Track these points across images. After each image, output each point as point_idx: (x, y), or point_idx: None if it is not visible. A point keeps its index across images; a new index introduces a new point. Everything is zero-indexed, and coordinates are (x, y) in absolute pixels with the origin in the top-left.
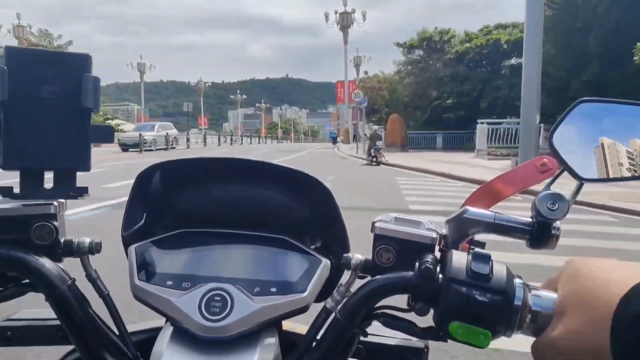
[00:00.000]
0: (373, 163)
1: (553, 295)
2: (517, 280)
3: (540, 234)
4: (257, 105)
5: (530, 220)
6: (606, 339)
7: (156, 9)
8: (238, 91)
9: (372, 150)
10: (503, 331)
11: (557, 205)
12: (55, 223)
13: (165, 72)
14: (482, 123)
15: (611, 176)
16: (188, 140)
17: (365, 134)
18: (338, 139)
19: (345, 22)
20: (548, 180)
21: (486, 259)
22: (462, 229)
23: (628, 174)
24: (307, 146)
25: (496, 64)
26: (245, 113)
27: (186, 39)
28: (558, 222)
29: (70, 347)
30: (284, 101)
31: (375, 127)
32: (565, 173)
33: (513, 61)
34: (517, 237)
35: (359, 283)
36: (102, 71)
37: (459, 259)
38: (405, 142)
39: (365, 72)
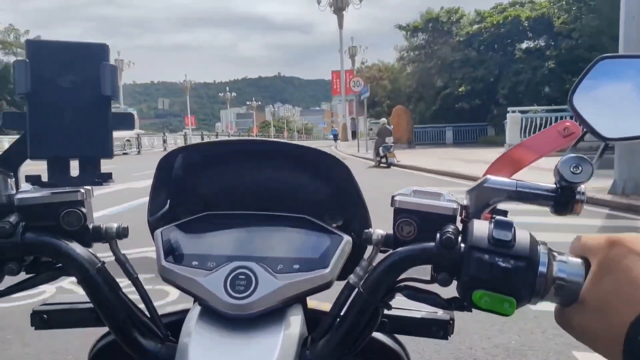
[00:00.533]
0: (382, 164)
1: (579, 261)
2: (541, 246)
3: (564, 199)
4: (247, 103)
5: (553, 186)
6: (619, 347)
7: (147, 10)
8: (227, 88)
9: (381, 149)
10: (528, 298)
11: (580, 168)
12: (83, 209)
13: (156, 73)
14: (514, 112)
15: (635, 134)
16: (164, 142)
17: (371, 130)
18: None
19: (339, 3)
20: (571, 144)
21: (508, 225)
22: (483, 199)
23: None
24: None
25: (514, 45)
26: (237, 112)
27: (177, 39)
28: (583, 186)
29: (103, 330)
30: (276, 99)
31: (384, 120)
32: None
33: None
34: (540, 204)
35: (381, 258)
36: None
37: (481, 227)
38: (412, 137)
39: (362, 63)
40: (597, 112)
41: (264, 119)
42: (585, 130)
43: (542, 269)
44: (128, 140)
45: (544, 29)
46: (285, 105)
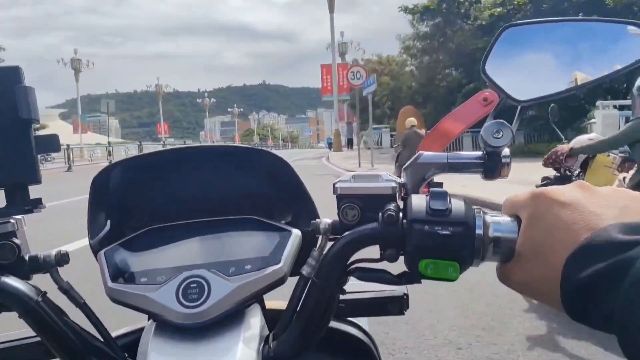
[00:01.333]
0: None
1: (510, 219)
2: (475, 211)
3: (492, 164)
4: (229, 110)
5: (480, 153)
6: (557, 290)
7: (129, 18)
8: (205, 94)
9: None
10: (470, 261)
11: (501, 133)
12: (17, 240)
13: (139, 82)
14: (606, 107)
15: (546, 94)
16: (110, 153)
17: (392, 137)
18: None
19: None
20: (491, 112)
21: (443, 195)
22: (418, 174)
23: (562, 88)
24: (287, 155)
25: None
26: (222, 121)
27: (160, 48)
28: (507, 150)
29: None
30: (262, 107)
31: (413, 120)
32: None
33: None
34: (471, 172)
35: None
36: (72, 83)
37: (418, 201)
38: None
39: (359, 59)
40: (509, 78)
41: (248, 126)
42: (501, 96)
43: (479, 231)
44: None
45: (591, 8)
46: (270, 113)
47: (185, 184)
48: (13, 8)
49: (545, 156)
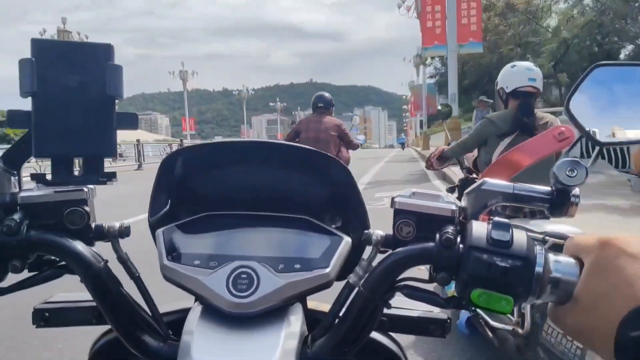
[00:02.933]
0: None
1: (573, 261)
2: (537, 246)
3: (559, 201)
4: (270, 104)
5: (549, 188)
6: (611, 343)
7: (183, 20)
8: (251, 90)
9: None
10: (525, 297)
11: (575, 172)
12: (87, 208)
13: (190, 81)
14: None
15: (629, 138)
16: (140, 154)
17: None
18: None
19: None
20: (566, 149)
21: (506, 226)
22: (481, 200)
23: None
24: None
25: None
26: (268, 119)
27: (211, 48)
28: (577, 189)
29: (105, 328)
30: (309, 106)
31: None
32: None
33: None
34: (536, 207)
35: (380, 258)
36: (129, 82)
37: (479, 228)
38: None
39: None
40: (593, 117)
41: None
42: (581, 134)
43: (539, 268)
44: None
45: None
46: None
47: (245, 176)
48: (76, 12)
49: (427, 158)
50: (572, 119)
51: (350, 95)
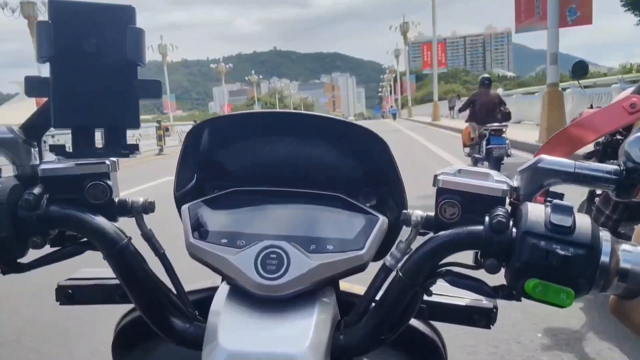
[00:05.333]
0: None
1: None
2: (603, 234)
3: (629, 182)
4: (246, 78)
5: (616, 167)
6: None
7: None
8: (221, 60)
9: None
10: (587, 289)
11: None
12: (109, 182)
13: (150, 53)
14: None
15: None
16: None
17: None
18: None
19: None
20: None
21: (568, 210)
22: (536, 180)
23: None
24: None
25: None
26: (230, 90)
27: (172, 17)
28: None
29: (129, 307)
30: (273, 74)
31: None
32: None
33: None
34: (600, 187)
35: (419, 240)
36: None
37: (536, 211)
38: None
39: None
40: None
41: (260, 95)
42: None
43: (605, 258)
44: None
45: None
46: (281, 80)
47: (273, 149)
48: None
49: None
50: None
51: (317, 62)
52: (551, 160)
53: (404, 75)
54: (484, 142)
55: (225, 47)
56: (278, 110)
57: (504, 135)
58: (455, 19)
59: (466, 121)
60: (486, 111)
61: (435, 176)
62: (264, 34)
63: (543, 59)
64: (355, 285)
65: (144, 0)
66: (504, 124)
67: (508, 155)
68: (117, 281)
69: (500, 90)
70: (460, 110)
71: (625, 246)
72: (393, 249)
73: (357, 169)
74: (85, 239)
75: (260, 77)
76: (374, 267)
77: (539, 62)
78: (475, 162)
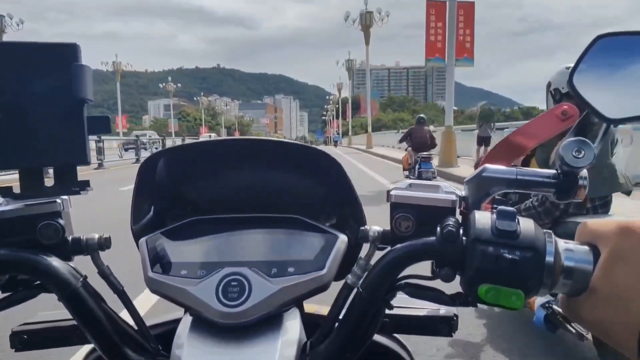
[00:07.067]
0: None
1: (587, 249)
2: (546, 235)
3: (567, 185)
4: (160, 85)
5: (554, 172)
6: (634, 338)
7: None
8: (169, 78)
9: None
10: (536, 290)
11: (582, 152)
12: (61, 221)
13: (85, 62)
14: None
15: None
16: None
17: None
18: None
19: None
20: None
21: (512, 215)
22: (482, 189)
23: None
24: None
25: None
26: (166, 104)
27: (109, 27)
28: (585, 171)
29: (89, 347)
30: (215, 91)
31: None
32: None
33: None
34: (541, 191)
35: (378, 256)
36: None
37: (482, 218)
38: None
39: None
40: (599, 92)
41: (196, 110)
42: (586, 111)
43: (550, 258)
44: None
45: None
46: (222, 98)
47: (231, 176)
48: None
49: (475, 163)
50: (577, 94)
51: (261, 82)
52: (495, 168)
53: (347, 103)
54: (417, 166)
55: (166, 60)
56: (234, 137)
57: (431, 161)
58: (400, 50)
59: (405, 150)
60: (419, 143)
61: (388, 192)
62: (208, 51)
63: (476, 95)
64: (321, 306)
65: (79, 8)
66: (431, 153)
67: (434, 177)
68: (74, 322)
69: (431, 127)
70: (400, 140)
71: (567, 245)
72: (354, 266)
73: (315, 191)
74: (38, 282)
75: (202, 93)
76: (339, 286)
77: (472, 98)
78: None
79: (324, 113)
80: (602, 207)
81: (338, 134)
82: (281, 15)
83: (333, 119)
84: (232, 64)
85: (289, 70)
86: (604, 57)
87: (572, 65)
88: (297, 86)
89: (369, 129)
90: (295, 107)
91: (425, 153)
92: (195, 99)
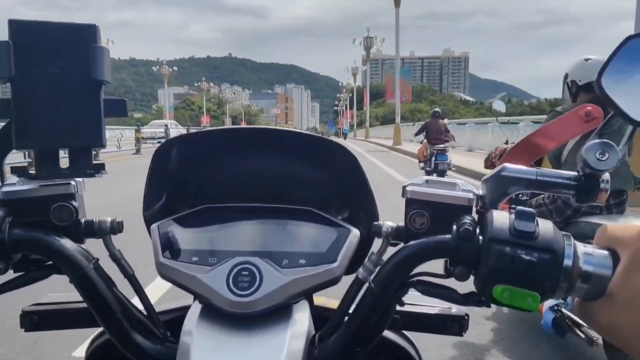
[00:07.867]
0: None
1: (606, 253)
2: (565, 238)
3: (588, 187)
4: (196, 85)
5: (576, 173)
6: None
7: None
8: (164, 62)
9: None
10: (552, 293)
11: (607, 155)
12: (75, 203)
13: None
14: None
15: None
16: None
17: None
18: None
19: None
20: (596, 130)
21: (531, 216)
22: (500, 188)
23: None
24: None
25: None
26: (176, 93)
27: (121, 16)
28: (607, 174)
29: (98, 330)
30: (226, 80)
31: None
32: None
33: None
34: (561, 193)
35: (390, 251)
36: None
37: (500, 218)
38: None
39: None
40: (627, 94)
41: (197, 98)
42: (612, 113)
43: (568, 261)
44: None
45: None
46: (233, 87)
47: (244, 165)
48: None
49: (485, 157)
50: (604, 95)
51: (272, 72)
52: (514, 168)
53: (362, 89)
54: (433, 159)
55: (178, 49)
56: (250, 126)
57: (447, 153)
58: (413, 41)
59: (420, 142)
60: (435, 135)
61: (404, 187)
62: (220, 40)
63: (491, 86)
64: (329, 299)
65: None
66: (447, 145)
67: (450, 169)
68: (84, 304)
69: (446, 120)
70: (416, 134)
71: (586, 249)
72: (365, 261)
73: (329, 183)
74: (50, 263)
75: (211, 84)
76: (348, 280)
77: (486, 90)
78: (427, 174)
79: (336, 103)
80: (617, 206)
81: (349, 125)
82: (293, 4)
83: (346, 108)
84: (244, 53)
85: (300, 61)
86: (633, 58)
87: (591, 56)
88: (309, 76)
89: (397, 118)
90: (306, 98)
91: (441, 145)
92: (195, 84)
